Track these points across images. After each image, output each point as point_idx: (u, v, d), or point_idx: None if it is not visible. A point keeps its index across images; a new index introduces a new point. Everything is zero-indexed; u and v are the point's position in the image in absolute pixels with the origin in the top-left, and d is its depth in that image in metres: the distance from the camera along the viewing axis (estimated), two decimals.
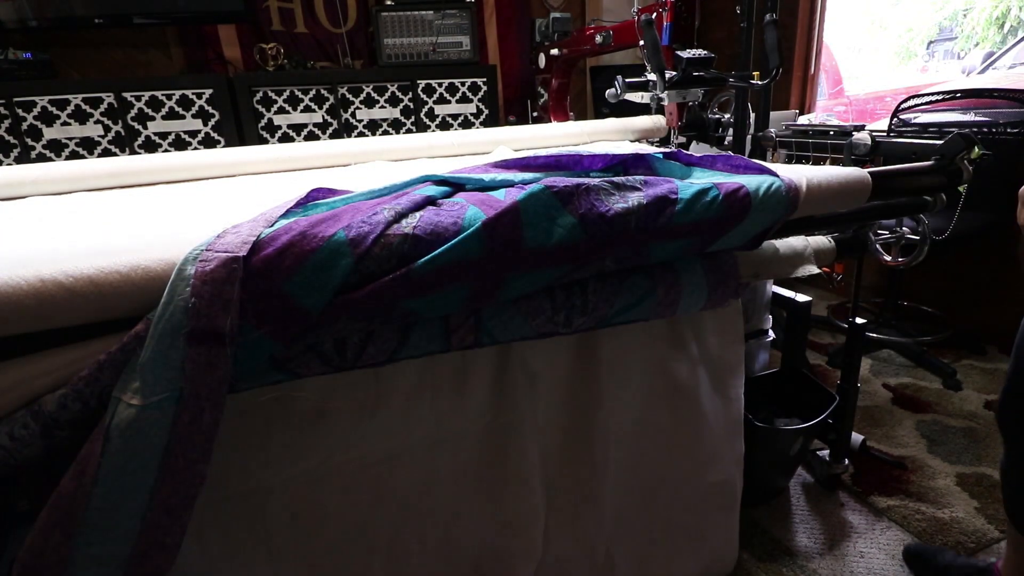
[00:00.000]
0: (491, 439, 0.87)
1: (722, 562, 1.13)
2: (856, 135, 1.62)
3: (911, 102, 2.01)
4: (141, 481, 0.56)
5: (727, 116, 1.67)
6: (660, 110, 1.53)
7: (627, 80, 1.42)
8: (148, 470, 0.56)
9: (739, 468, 1.08)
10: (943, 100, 1.99)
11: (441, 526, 0.87)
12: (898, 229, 1.21)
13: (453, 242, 0.64)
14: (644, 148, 1.50)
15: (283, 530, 0.77)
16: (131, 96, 2.06)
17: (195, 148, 2.17)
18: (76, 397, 0.55)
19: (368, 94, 2.34)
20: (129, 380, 0.55)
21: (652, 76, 1.38)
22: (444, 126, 2.46)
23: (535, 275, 0.70)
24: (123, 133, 2.08)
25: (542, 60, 2.43)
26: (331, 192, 0.78)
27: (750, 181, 0.82)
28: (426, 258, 0.63)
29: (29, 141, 1.99)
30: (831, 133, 1.72)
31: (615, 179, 0.78)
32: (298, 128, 2.29)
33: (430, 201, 0.72)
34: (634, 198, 0.74)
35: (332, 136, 2.32)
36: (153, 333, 0.55)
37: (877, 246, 1.23)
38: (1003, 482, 0.94)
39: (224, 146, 2.18)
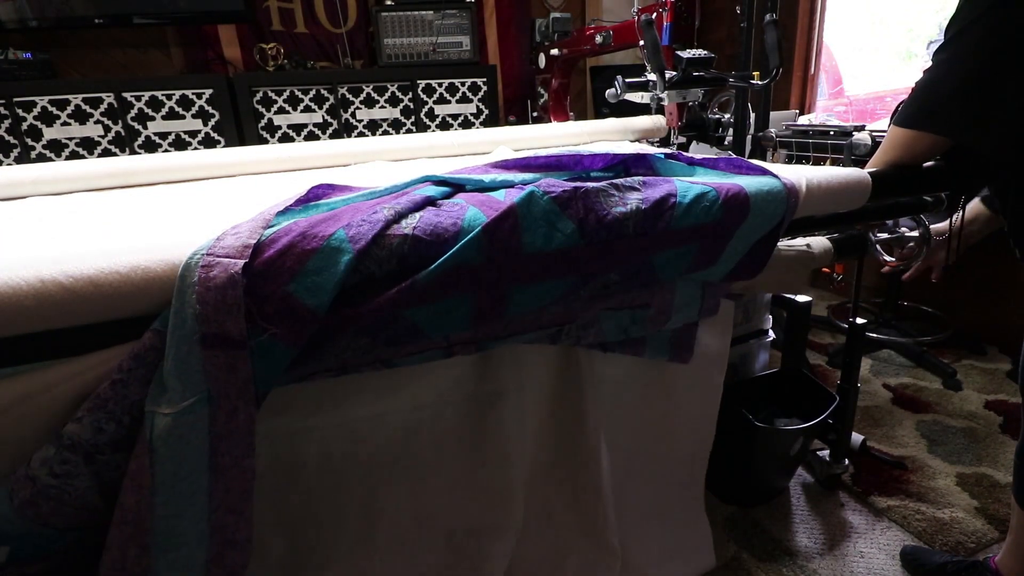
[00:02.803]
0: (473, 408, 0.88)
1: (695, 542, 1.13)
2: (856, 135, 1.62)
3: None
4: (196, 484, 0.58)
5: (727, 116, 1.67)
6: (660, 110, 1.53)
7: (627, 80, 1.42)
8: (200, 472, 0.58)
9: (705, 448, 1.10)
10: None
11: (416, 491, 0.87)
12: (897, 230, 1.21)
13: (452, 250, 0.64)
14: (645, 148, 1.50)
15: (259, 475, 0.77)
16: (131, 96, 2.07)
17: (195, 148, 2.17)
18: (109, 418, 0.56)
19: (368, 94, 2.34)
20: (158, 392, 0.56)
21: (652, 76, 1.38)
22: (444, 126, 2.46)
23: (538, 287, 0.70)
24: (123, 133, 2.08)
25: (542, 60, 2.43)
26: (331, 188, 0.78)
27: (749, 183, 0.82)
28: (429, 268, 0.63)
29: (29, 141, 1.99)
30: (831, 133, 1.72)
31: (615, 180, 0.78)
32: (298, 128, 2.29)
33: (430, 201, 0.72)
34: (633, 201, 0.74)
35: (332, 136, 2.32)
36: (170, 341, 0.56)
37: (877, 246, 1.24)
38: (1017, 464, 0.93)
39: (224, 146, 2.18)
